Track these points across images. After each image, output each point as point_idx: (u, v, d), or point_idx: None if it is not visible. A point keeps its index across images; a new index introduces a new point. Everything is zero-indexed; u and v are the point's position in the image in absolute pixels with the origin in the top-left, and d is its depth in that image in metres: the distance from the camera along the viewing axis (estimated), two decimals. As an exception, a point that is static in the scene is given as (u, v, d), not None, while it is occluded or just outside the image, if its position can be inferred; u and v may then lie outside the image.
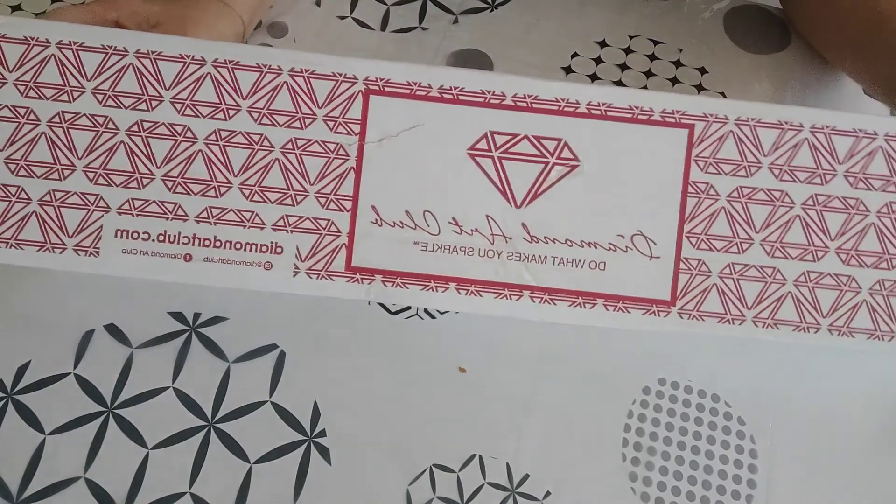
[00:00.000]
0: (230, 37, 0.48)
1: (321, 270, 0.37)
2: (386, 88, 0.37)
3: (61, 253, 0.36)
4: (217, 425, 0.39)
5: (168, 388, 0.40)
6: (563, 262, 0.37)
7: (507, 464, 0.40)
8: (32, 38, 0.36)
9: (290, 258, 0.37)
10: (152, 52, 0.36)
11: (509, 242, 0.37)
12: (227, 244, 0.36)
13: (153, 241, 0.36)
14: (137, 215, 0.36)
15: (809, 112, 0.37)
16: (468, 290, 0.37)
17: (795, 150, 0.37)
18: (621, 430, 0.41)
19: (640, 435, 0.41)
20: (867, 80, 0.49)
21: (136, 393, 0.40)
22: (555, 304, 0.37)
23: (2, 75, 0.36)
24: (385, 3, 0.56)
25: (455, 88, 0.37)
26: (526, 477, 0.40)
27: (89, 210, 0.36)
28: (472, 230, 0.37)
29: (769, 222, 0.37)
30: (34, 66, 0.36)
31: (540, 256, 0.37)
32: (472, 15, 0.55)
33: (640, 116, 0.37)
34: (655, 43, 0.55)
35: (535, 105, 0.37)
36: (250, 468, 0.38)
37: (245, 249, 0.36)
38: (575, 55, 0.54)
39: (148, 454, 0.38)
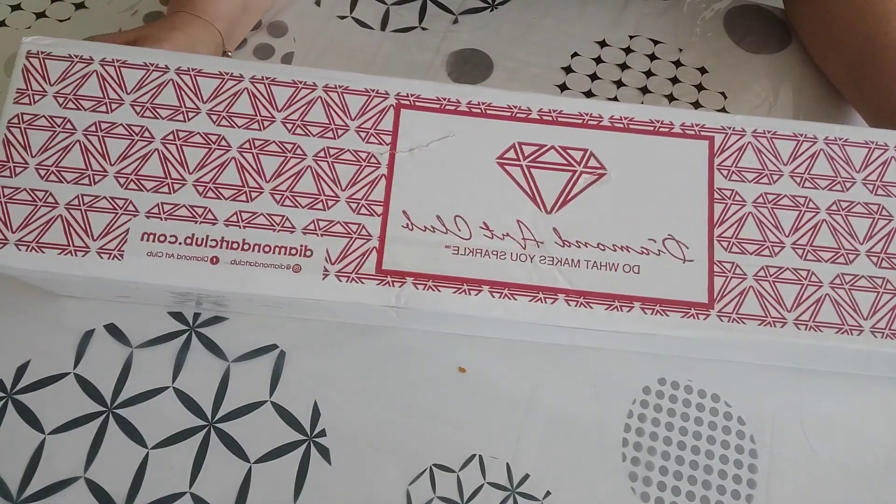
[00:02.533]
0: (207, 52, 0.47)
1: (351, 273, 0.36)
2: (416, 103, 0.38)
3: (84, 256, 0.35)
4: (217, 425, 0.38)
5: (168, 387, 0.39)
6: (596, 266, 0.36)
7: (507, 464, 0.38)
8: (77, 56, 0.38)
9: (319, 261, 0.36)
10: (193, 70, 0.38)
11: (541, 247, 0.37)
12: (256, 247, 0.36)
13: (180, 244, 0.35)
14: (166, 219, 0.36)
15: (821, 126, 0.39)
16: (501, 292, 0.36)
17: (813, 160, 0.38)
18: (621, 430, 0.40)
19: (640, 435, 0.39)
20: (856, 103, 0.50)
21: (135, 393, 0.38)
22: (591, 307, 0.36)
23: (42, 89, 0.37)
24: (385, 3, 0.56)
25: (483, 104, 0.38)
26: (526, 477, 0.38)
27: (117, 214, 0.36)
28: (503, 234, 0.37)
29: (797, 227, 0.37)
30: (76, 80, 0.37)
31: (572, 260, 0.37)
32: (472, 15, 0.55)
33: (661, 129, 0.39)
34: (655, 43, 0.55)
35: (560, 119, 0.38)
36: (250, 468, 0.37)
37: (274, 252, 0.36)
38: (575, 55, 0.54)
39: (148, 454, 0.37)
